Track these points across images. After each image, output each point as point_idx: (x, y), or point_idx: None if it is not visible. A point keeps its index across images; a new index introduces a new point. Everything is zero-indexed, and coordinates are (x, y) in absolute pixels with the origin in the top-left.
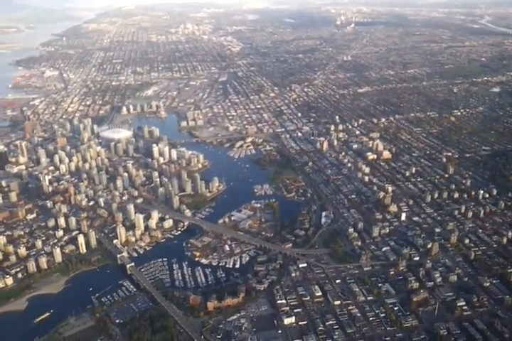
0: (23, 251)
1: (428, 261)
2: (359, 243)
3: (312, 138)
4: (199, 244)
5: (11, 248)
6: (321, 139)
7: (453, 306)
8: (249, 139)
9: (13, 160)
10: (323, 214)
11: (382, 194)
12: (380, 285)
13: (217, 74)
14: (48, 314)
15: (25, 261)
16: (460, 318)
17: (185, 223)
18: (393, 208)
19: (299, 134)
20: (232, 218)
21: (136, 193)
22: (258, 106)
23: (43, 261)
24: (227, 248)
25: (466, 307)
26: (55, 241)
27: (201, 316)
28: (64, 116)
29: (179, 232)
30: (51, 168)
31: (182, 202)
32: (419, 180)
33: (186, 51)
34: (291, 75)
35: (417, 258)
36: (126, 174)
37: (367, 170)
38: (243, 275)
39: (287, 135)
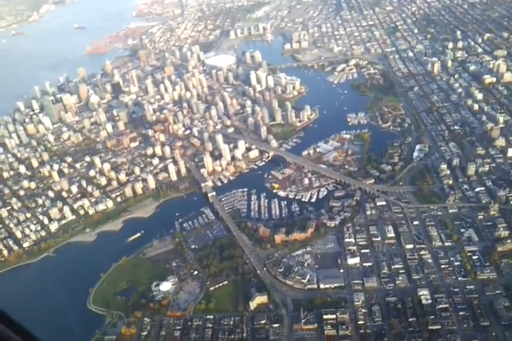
0: (123, 177)
1: None
2: (450, 181)
3: (424, 58)
4: (280, 175)
5: (113, 174)
6: (434, 59)
7: None
8: (352, 62)
9: (127, 89)
10: (417, 147)
11: (490, 125)
12: (462, 230)
13: None
14: (139, 234)
15: (124, 186)
16: None
17: (271, 154)
18: (500, 142)
19: (410, 54)
20: (318, 150)
21: (228, 122)
22: (371, 23)
23: (139, 187)
24: (306, 181)
25: None
26: (152, 168)
27: (268, 248)
28: (176, 44)
29: (263, 163)
30: (158, 96)
31: (270, 131)
32: None
33: None
34: None
35: None
36: (221, 103)
37: (480, 96)
38: (317, 209)
39: (397, 55)
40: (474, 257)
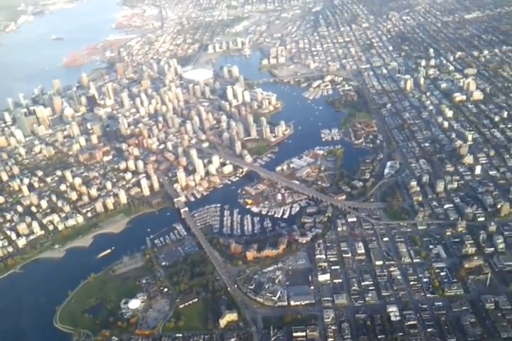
0: (94, 191)
1: (493, 223)
2: (420, 198)
3: (398, 75)
4: (253, 191)
5: (84, 188)
6: (407, 76)
7: (510, 278)
8: (328, 78)
9: (102, 102)
10: (388, 163)
11: (459, 142)
12: (431, 247)
13: (312, 4)
14: (109, 250)
15: (95, 202)
16: None
17: (245, 169)
18: (469, 159)
19: (384, 71)
20: (291, 165)
21: (203, 137)
22: (347, 39)
23: (110, 202)
24: (279, 197)
25: None
26: (124, 183)
27: (239, 265)
28: (155, 57)
29: (237, 178)
30: (133, 110)
31: (245, 147)
32: (509, 126)
33: None
34: (392, 1)
35: (481, 219)
36: (197, 117)
37: (450, 113)
38: (289, 226)
39: (371, 72)
40: (442, 273)
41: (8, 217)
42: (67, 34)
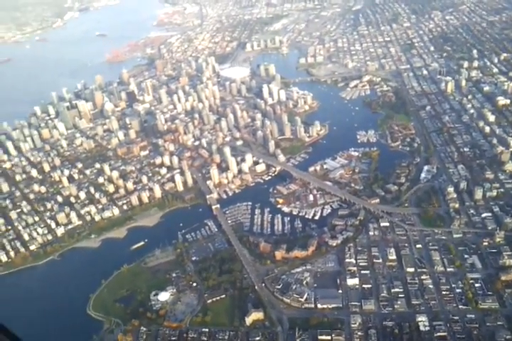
0: (130, 185)
1: None
2: (456, 205)
3: (438, 77)
4: (285, 191)
5: (121, 182)
6: (448, 78)
7: None
8: (366, 78)
9: (141, 98)
10: (425, 168)
11: (501, 148)
12: (466, 256)
13: (353, 2)
14: (142, 243)
15: (130, 195)
16: None
17: (277, 168)
18: (510, 167)
19: (425, 72)
20: (325, 166)
21: (238, 135)
22: (387, 39)
23: (145, 196)
24: (311, 197)
25: None
26: (159, 177)
27: (268, 264)
28: (193, 54)
29: (269, 177)
30: (170, 106)
31: (279, 146)
32: None
33: None
34: (435, 0)
35: None
36: (232, 115)
37: (492, 118)
38: (320, 227)
39: (411, 73)
40: (476, 285)
41: (49, 206)
42: (110, 30)
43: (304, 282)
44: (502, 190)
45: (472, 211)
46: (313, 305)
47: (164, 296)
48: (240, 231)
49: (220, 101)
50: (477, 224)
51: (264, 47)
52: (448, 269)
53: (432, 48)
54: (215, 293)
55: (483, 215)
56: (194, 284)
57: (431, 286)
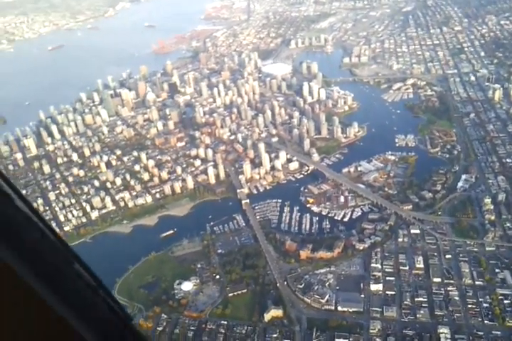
0: (165, 174)
1: None
2: (492, 217)
3: (486, 84)
4: (316, 190)
5: (156, 170)
6: (497, 86)
7: None
8: (410, 81)
9: (182, 90)
10: (463, 177)
11: None
12: (497, 271)
13: (404, 3)
14: (171, 232)
15: (164, 184)
16: None
17: (310, 167)
18: None
19: (472, 78)
20: (359, 168)
21: (274, 131)
22: (436, 42)
23: (178, 186)
24: (342, 199)
25: None
26: (193, 169)
27: (292, 263)
28: (238, 49)
29: (302, 176)
30: (210, 100)
31: (314, 145)
32: None
33: None
34: (491, 4)
35: None
36: (269, 111)
37: None
38: (348, 230)
39: (457, 78)
40: (506, 301)
41: (86, 189)
42: (159, 22)
43: (327, 283)
44: None
45: (508, 224)
46: (333, 307)
47: (187, 286)
48: (267, 228)
49: (259, 97)
50: None
51: (308, 45)
52: (477, 282)
53: (482, 54)
54: (237, 286)
55: None
56: (217, 276)
57: (457, 298)
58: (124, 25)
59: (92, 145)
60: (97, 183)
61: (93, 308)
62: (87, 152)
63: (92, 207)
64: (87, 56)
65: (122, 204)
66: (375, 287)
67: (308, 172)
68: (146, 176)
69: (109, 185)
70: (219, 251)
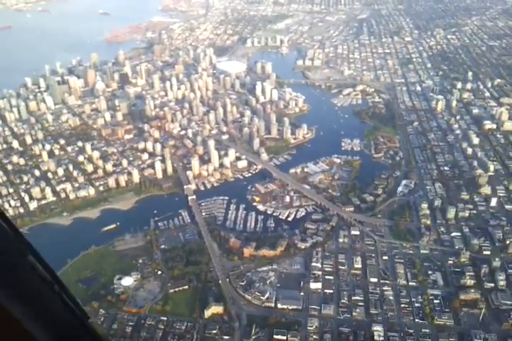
0: (110, 167)
1: (498, 259)
2: (428, 221)
3: (431, 94)
4: (263, 189)
5: (101, 162)
6: (440, 97)
7: (505, 317)
8: (359, 87)
9: (134, 81)
10: (404, 182)
11: (480, 171)
12: (430, 272)
13: (359, 11)
14: (114, 226)
15: (108, 176)
16: (507, 332)
17: (259, 166)
18: (486, 190)
19: (418, 88)
20: (306, 170)
21: (225, 129)
22: (387, 51)
23: (123, 179)
24: (287, 199)
25: None
26: (139, 163)
27: (235, 260)
28: (193, 43)
29: (250, 174)
30: (162, 93)
31: (263, 144)
32: None
33: None
34: (440, 18)
35: (487, 253)
36: (221, 109)
37: (476, 140)
38: (291, 229)
39: (404, 87)
40: (436, 301)
41: (25, 179)
42: (114, 10)
43: (268, 281)
44: (474, 211)
45: (442, 229)
46: (273, 305)
47: (128, 281)
48: (212, 225)
49: (212, 93)
50: (445, 243)
51: (264, 45)
52: (410, 283)
53: (429, 65)
54: (178, 283)
55: (453, 234)
56: (159, 272)
57: (391, 298)
58: (77, 10)
59: (34, 132)
60: (37, 173)
61: (48, 306)
62: (28, 140)
63: (31, 198)
64: (36, 39)
65: (63, 195)
66: (314, 285)
67: (257, 171)
68: (90, 168)
69: (50, 175)
70: (162, 246)
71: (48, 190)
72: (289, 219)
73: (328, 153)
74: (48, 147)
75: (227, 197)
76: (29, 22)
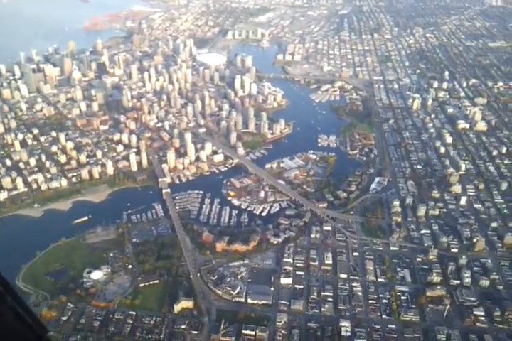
0: (83, 158)
1: (464, 257)
2: (399, 219)
3: (408, 92)
4: (238, 184)
5: (74, 153)
6: (416, 95)
7: (468, 313)
8: (338, 83)
9: (111, 71)
10: (377, 179)
11: (451, 170)
12: (398, 269)
13: (340, 6)
14: (85, 218)
15: (82, 168)
16: (469, 328)
17: (235, 161)
18: (457, 189)
19: (396, 86)
20: (281, 165)
21: (202, 122)
22: (366, 48)
23: (96, 171)
24: (262, 194)
25: (482, 319)
26: (114, 154)
27: (207, 254)
28: (173, 34)
29: (226, 168)
30: (140, 84)
31: (241, 139)
32: (505, 162)
33: None
34: (420, 16)
35: (454, 250)
36: (200, 101)
37: (449, 139)
38: (265, 224)
39: (382, 85)
40: (403, 297)
41: None
42: None
43: (239, 276)
44: (444, 210)
45: (413, 226)
46: (243, 300)
47: (97, 275)
48: (185, 219)
49: (190, 85)
50: (415, 240)
51: (245, 38)
52: (379, 279)
53: (407, 63)
54: (149, 277)
55: (422, 232)
56: (130, 266)
57: (359, 294)
58: None
59: (7, 121)
60: (8, 162)
61: None
62: (1, 128)
63: (1, 188)
64: (11, 26)
65: (35, 186)
66: (285, 281)
67: (233, 165)
68: (63, 158)
69: (22, 165)
70: (134, 240)
71: (19, 181)
72: (263, 214)
73: (305, 148)
74: (20, 136)
75: (202, 191)
76: (4, 7)
